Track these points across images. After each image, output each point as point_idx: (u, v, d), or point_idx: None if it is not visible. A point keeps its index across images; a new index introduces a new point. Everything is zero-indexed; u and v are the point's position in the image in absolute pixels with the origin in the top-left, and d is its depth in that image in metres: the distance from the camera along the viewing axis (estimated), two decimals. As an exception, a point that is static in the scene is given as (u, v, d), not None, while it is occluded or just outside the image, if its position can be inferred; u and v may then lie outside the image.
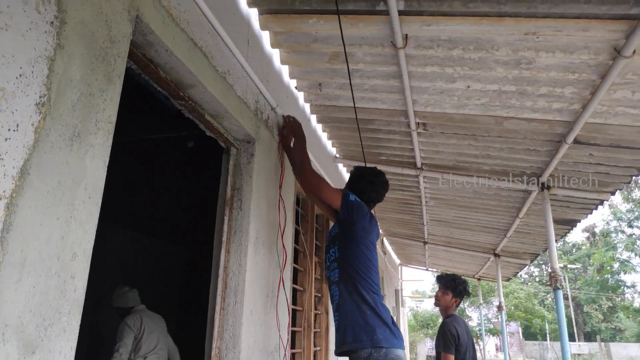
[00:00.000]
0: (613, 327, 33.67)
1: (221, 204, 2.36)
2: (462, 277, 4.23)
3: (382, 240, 8.29)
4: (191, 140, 5.08)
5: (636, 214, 22.81)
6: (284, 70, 3.03)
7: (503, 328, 7.24)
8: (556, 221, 5.28)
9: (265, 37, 2.68)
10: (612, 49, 2.22)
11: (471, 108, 3.04)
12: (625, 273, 23.53)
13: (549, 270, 3.73)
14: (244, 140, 2.45)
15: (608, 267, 25.85)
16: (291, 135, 2.76)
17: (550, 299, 35.39)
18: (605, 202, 4.20)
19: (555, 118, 2.94)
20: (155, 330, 3.61)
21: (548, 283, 3.70)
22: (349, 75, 2.61)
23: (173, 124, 4.20)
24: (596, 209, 4.50)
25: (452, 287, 4.00)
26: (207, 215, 3.01)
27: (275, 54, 2.86)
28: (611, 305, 33.34)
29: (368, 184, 2.61)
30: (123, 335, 3.46)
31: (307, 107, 3.50)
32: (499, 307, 7.21)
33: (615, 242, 23.69)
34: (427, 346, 26.96)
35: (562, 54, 2.30)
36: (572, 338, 30.21)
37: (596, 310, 33.86)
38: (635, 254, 22.87)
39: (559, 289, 3.64)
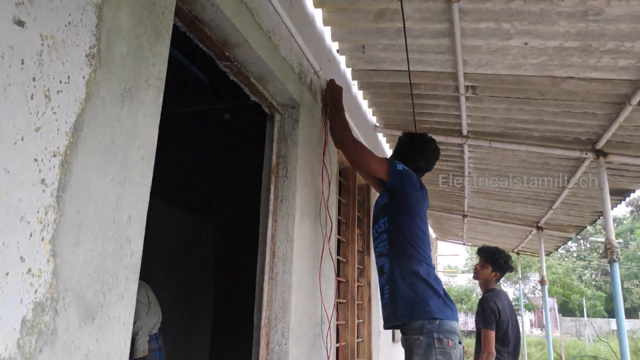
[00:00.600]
0: (653, 301, 32.65)
1: (267, 172, 2.28)
2: (505, 251, 4.07)
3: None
4: (227, 113, 5.02)
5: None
6: (326, 32, 2.89)
7: (545, 303, 7.05)
8: (609, 191, 5.03)
9: (309, -5, 2.54)
10: (698, -6, 1.98)
11: (527, 68, 2.84)
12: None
13: (605, 241, 3.53)
14: (288, 105, 2.36)
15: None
16: (329, 99, 2.65)
17: (587, 274, 34.54)
18: (666, 169, 3.93)
19: (620, 77, 2.71)
20: (154, 301, 3.58)
21: (603, 255, 3.51)
22: (404, 30, 2.42)
23: (207, 97, 4.14)
24: (655, 177, 4.22)
25: (492, 260, 3.86)
26: (247, 189, 2.94)
27: (317, 15, 2.72)
28: (652, 280, 32.27)
29: (418, 151, 2.48)
30: (140, 312, 3.33)
31: (348, 73, 3.36)
32: (542, 282, 7.00)
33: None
34: (461, 321, 26.89)
35: (636, 1, 2.08)
36: (612, 315, 29.48)
37: (637, 286, 32.87)
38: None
39: (615, 261, 3.45)
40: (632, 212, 29.19)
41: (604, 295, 30.68)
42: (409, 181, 2.28)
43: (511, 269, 4.07)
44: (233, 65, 1.89)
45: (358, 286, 3.57)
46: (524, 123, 3.63)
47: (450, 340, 2.04)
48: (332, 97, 2.60)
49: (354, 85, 3.55)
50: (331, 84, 2.65)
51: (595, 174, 4.41)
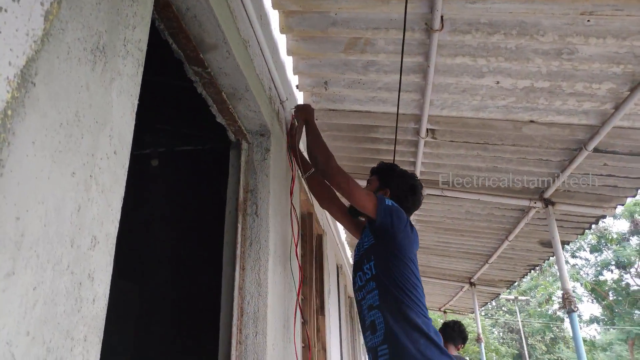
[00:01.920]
0: (555, 357, 34.65)
1: (232, 209, 1.88)
2: (458, 322, 3.96)
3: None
4: (155, 159, 4.51)
5: (577, 245, 23.95)
6: (288, 64, 2.65)
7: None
8: (542, 243, 5.16)
9: (275, 18, 2.30)
10: (670, 34, 2.04)
11: (491, 110, 2.79)
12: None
13: (562, 292, 3.48)
14: (258, 132, 2.02)
15: (554, 298, 26.73)
16: (303, 123, 2.36)
17: (496, 332, 36.00)
18: (602, 219, 4.08)
19: (581, 121, 2.74)
20: None
21: (561, 306, 3.43)
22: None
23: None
24: (590, 227, 4.38)
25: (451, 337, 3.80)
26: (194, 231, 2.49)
27: (281, 43, 2.48)
28: (553, 336, 34.42)
29: (410, 198, 2.21)
30: None
31: (304, 112, 3.11)
32: (478, 339, 6.92)
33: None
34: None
35: (613, 40, 2.09)
36: (521, 370, 30.65)
37: (539, 341, 34.78)
38: (580, 284, 23.82)
39: (573, 311, 3.38)
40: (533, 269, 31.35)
41: (515, 352, 31.97)
42: (399, 219, 1.99)
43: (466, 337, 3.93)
44: (205, 73, 1.55)
45: (317, 352, 3.12)
46: (478, 171, 3.59)
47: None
48: (306, 118, 2.31)
49: (309, 126, 3.30)
50: (301, 106, 2.37)
51: (535, 225, 4.50)
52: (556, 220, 4.10)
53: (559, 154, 3.16)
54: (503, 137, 3.06)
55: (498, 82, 2.50)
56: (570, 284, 3.50)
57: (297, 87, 2.85)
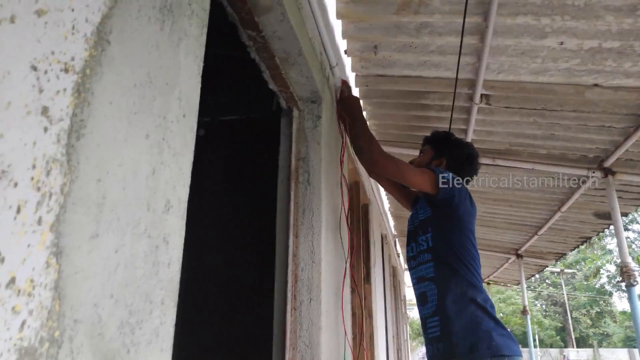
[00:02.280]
0: (601, 332, 33.86)
1: (284, 177, 1.87)
2: None
3: (395, 241, 7.84)
4: (202, 129, 4.56)
5: (630, 217, 22.93)
6: (337, 28, 2.56)
7: (529, 334, 6.83)
8: (597, 214, 4.93)
9: (325, -20, 2.22)
10: None
11: (552, 74, 2.62)
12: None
13: (620, 265, 3.32)
14: (308, 99, 1.98)
15: (602, 272, 25.91)
16: (347, 116, 2.27)
17: (538, 305, 35.37)
18: (667, 190, 3.83)
19: (653, 84, 2.54)
20: None
21: (619, 280, 3.28)
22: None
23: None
24: (652, 199, 4.13)
25: None
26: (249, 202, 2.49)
27: (330, 6, 2.39)
28: (599, 310, 33.54)
29: (467, 168, 2.14)
30: None
31: (352, 78, 3.03)
32: (524, 311, 6.80)
33: (610, 246, 23.77)
34: (419, 356, 26.57)
35: (699, -7, 1.90)
36: (564, 344, 30.17)
37: (584, 315, 34.00)
38: (632, 258, 22.91)
39: (633, 285, 3.23)
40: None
41: (559, 325, 31.42)
42: (460, 192, 1.93)
43: None
44: (259, 37, 1.51)
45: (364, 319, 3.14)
46: (533, 139, 3.42)
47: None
48: (352, 111, 2.22)
49: (356, 93, 3.23)
50: (348, 100, 2.27)
51: (591, 195, 4.30)
52: (616, 190, 3.89)
53: (624, 120, 2.96)
54: (563, 102, 2.89)
55: (562, 43, 2.34)
56: (621, 256, 3.33)
57: (345, 52, 2.76)
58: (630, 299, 3.25)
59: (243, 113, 2.44)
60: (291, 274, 1.73)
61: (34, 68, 0.46)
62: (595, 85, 2.65)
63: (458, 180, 1.96)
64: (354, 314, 2.82)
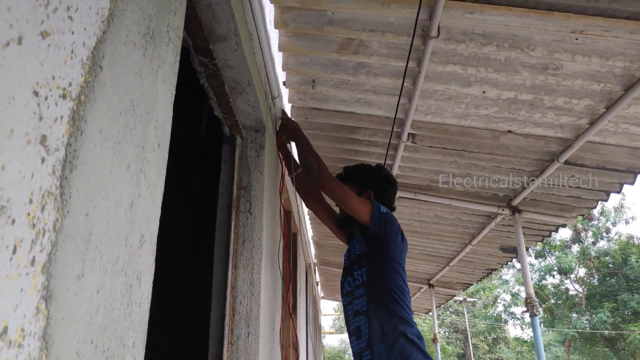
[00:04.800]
0: (496, 357, 36.16)
1: (224, 206, 1.83)
2: None
3: (314, 270, 7.87)
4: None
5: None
6: (277, 60, 2.60)
7: (438, 360, 7.13)
8: (503, 248, 5.35)
9: (270, 13, 2.26)
10: (650, 57, 2.15)
11: (473, 119, 2.86)
12: (517, 305, 25.58)
13: (525, 296, 3.61)
14: (252, 128, 1.98)
15: (500, 301, 27.85)
16: (291, 136, 2.31)
17: (442, 332, 37.04)
18: (562, 227, 4.28)
19: (557, 134, 2.86)
20: None
21: (525, 310, 3.57)
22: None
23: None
24: (549, 235, 4.58)
25: None
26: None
27: (274, 39, 2.43)
28: (495, 337, 35.87)
29: (392, 190, 2.24)
30: None
31: (288, 109, 3.07)
32: (434, 340, 7.10)
33: (506, 276, 25.82)
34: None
35: (597, 59, 2.19)
36: (465, 369, 31.76)
37: (482, 341, 36.13)
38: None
39: (535, 315, 3.52)
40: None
41: (460, 351, 33.07)
42: (393, 226, 2.01)
43: None
44: (211, 64, 1.49)
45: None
46: (452, 177, 3.67)
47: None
48: (295, 133, 2.25)
49: (290, 124, 3.26)
50: (287, 123, 2.31)
51: (499, 231, 4.67)
52: (521, 227, 4.27)
53: (531, 164, 3.28)
54: (480, 145, 3.14)
55: (484, 92, 2.56)
56: (526, 288, 3.64)
57: (284, 83, 2.80)
58: (533, 328, 3.54)
59: (180, 136, 2.36)
60: (229, 306, 1.67)
61: (36, 93, 0.43)
62: (509, 131, 2.92)
63: (391, 216, 2.04)
64: (281, 345, 2.77)
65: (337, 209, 2.37)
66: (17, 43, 0.40)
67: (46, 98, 0.44)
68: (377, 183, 2.23)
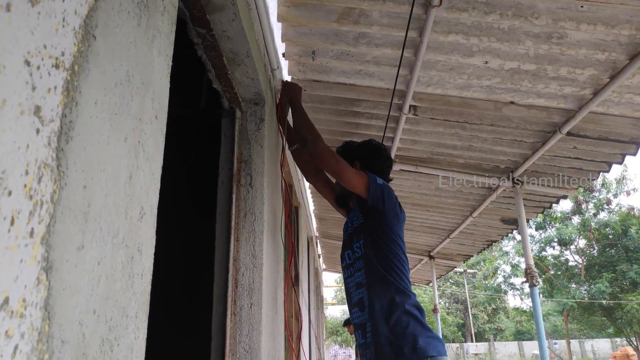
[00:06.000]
0: (496, 327, 36.85)
1: (225, 179, 1.83)
2: None
3: (316, 243, 7.95)
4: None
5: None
6: (277, 31, 2.55)
7: (439, 331, 7.26)
8: (504, 220, 5.38)
9: (269, -18, 2.20)
10: (656, 24, 2.11)
11: (475, 90, 2.82)
12: (516, 276, 25.89)
13: (525, 267, 3.65)
14: (252, 101, 1.96)
15: (500, 272, 28.18)
16: (287, 101, 2.29)
17: (442, 302, 37.67)
18: (563, 199, 4.28)
19: (559, 105, 2.83)
20: None
21: (524, 281, 3.61)
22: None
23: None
24: (550, 207, 4.60)
25: None
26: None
27: (272, 9, 2.38)
28: (495, 307, 36.44)
29: (386, 162, 2.24)
30: None
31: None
32: (434, 310, 7.22)
33: (506, 248, 26.05)
34: (331, 353, 27.12)
35: (602, 27, 2.14)
36: (464, 339, 32.43)
37: (482, 312, 36.74)
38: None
39: (535, 285, 3.57)
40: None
41: (460, 321, 33.70)
42: (390, 197, 2.01)
43: None
44: (209, 35, 1.46)
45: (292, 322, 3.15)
46: (453, 149, 3.66)
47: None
48: (291, 99, 2.25)
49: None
50: (289, 83, 2.30)
51: (500, 202, 4.68)
52: (522, 199, 4.28)
53: (533, 136, 3.26)
54: (482, 116, 3.12)
55: (486, 62, 2.52)
56: (526, 259, 3.67)
57: (284, 55, 2.76)
58: (533, 298, 3.59)
59: (178, 110, 2.35)
60: (231, 278, 1.69)
61: (27, 63, 0.42)
62: (512, 102, 2.89)
63: (388, 187, 2.04)
64: (284, 316, 2.82)
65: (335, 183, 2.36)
66: (6, 10, 0.39)
67: (38, 68, 0.43)
68: (362, 154, 2.23)
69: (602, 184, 21.34)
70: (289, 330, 3.21)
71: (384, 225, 1.99)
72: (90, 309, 0.51)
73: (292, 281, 2.65)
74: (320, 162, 2.02)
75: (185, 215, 1.95)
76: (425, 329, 1.85)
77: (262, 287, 1.71)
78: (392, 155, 3.89)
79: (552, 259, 23.57)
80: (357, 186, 1.98)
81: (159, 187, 0.73)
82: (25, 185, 0.41)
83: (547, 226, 22.93)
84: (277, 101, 2.31)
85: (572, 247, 22.35)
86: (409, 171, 4.05)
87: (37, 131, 0.43)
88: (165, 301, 1.81)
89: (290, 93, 2.26)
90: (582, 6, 2.08)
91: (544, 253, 23.38)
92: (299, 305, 3.24)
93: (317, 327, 7.65)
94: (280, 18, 2.42)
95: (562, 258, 23.24)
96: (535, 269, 3.59)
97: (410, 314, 1.86)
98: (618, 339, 24.57)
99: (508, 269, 27.15)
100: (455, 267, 7.95)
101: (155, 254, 1.76)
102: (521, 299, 29.24)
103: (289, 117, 2.43)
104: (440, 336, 7.46)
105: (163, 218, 2.22)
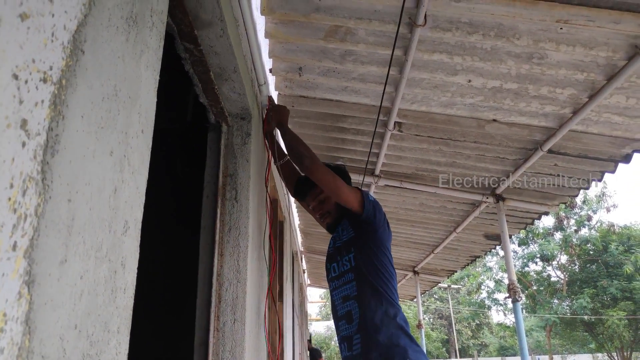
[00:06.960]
0: (479, 342, 36.88)
1: (210, 193, 1.82)
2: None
3: (301, 257, 7.91)
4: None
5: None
6: (264, 47, 2.58)
7: (423, 348, 7.24)
8: (487, 236, 5.43)
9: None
10: (632, 47, 2.18)
11: (459, 108, 2.88)
12: (500, 292, 26.05)
13: (507, 282, 3.68)
14: (238, 115, 1.96)
15: (483, 288, 28.32)
16: (276, 122, 2.30)
17: (427, 318, 37.62)
18: (544, 215, 4.35)
19: (540, 123, 2.89)
20: None
21: (507, 296, 3.64)
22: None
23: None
24: (532, 223, 4.66)
25: None
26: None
27: (260, 25, 2.41)
28: (478, 322, 36.51)
29: (337, 172, 2.28)
30: None
31: (274, 96, 3.06)
32: (419, 326, 7.21)
33: (490, 263, 26.23)
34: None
35: (581, 49, 2.22)
36: (448, 355, 32.36)
37: (466, 327, 36.76)
38: (508, 274, 25.37)
39: (517, 301, 3.60)
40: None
41: (444, 337, 33.64)
42: (380, 212, 2.05)
43: None
44: (196, 51, 1.47)
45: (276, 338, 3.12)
46: (437, 165, 3.70)
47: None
48: (279, 121, 2.25)
49: (276, 111, 3.25)
50: (277, 106, 2.32)
51: (483, 218, 4.73)
52: (505, 215, 4.33)
53: (515, 153, 3.33)
54: (465, 134, 3.17)
55: (470, 81, 2.58)
56: (509, 275, 3.71)
57: (270, 70, 2.78)
58: (515, 313, 3.61)
59: (165, 123, 2.34)
60: (215, 293, 1.68)
61: (15, 77, 0.42)
62: (494, 120, 2.95)
63: (379, 204, 2.07)
64: (266, 332, 2.79)
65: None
66: (-5, 25, 0.39)
67: (26, 82, 0.44)
68: (340, 175, 2.26)
69: (584, 201, 21.72)
70: (272, 346, 3.18)
71: (376, 239, 2.01)
72: (71, 324, 0.50)
73: (273, 297, 2.63)
74: (318, 179, 2.04)
75: (169, 229, 1.94)
76: (414, 343, 1.86)
77: (246, 302, 1.69)
78: (377, 171, 3.92)
79: (534, 275, 23.80)
80: (352, 202, 2.01)
81: (143, 201, 0.73)
82: (9, 199, 0.41)
83: (529, 242, 23.20)
84: (264, 116, 2.32)
85: (554, 262, 22.61)
86: (394, 187, 4.09)
87: (23, 144, 0.43)
88: (147, 316, 1.79)
89: (278, 115, 2.27)
90: (561, 28, 2.15)
91: (526, 269, 23.60)
92: (279, 322, 3.21)
93: (301, 343, 7.57)
94: (267, 35, 2.45)
95: (544, 274, 23.48)
96: (518, 285, 3.62)
97: (401, 327, 1.87)
98: (600, 354, 24.76)
99: (492, 284, 27.33)
100: (440, 283, 7.97)
101: (139, 269, 1.74)
102: (505, 314, 29.40)
103: (277, 134, 2.44)
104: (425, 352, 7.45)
105: (147, 232, 2.20)
